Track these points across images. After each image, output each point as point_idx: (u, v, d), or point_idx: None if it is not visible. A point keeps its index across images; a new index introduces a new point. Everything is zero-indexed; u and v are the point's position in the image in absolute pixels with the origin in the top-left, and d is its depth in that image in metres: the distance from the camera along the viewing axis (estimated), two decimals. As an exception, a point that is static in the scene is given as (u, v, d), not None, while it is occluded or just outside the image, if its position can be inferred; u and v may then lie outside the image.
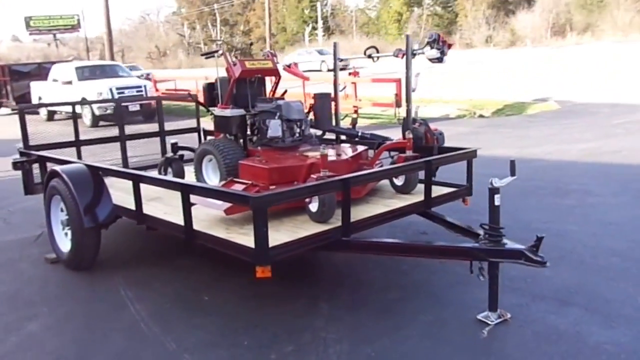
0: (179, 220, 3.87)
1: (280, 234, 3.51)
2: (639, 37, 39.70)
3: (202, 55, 5.36)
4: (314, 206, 3.76)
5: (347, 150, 4.83)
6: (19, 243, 5.55)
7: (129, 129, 6.55)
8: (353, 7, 77.31)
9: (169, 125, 6.81)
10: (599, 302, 3.72)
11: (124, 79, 18.03)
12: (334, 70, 5.71)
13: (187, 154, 5.77)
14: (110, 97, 15.86)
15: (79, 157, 6.04)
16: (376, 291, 4.08)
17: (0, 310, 4.03)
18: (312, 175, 3.85)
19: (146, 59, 64.40)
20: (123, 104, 7.04)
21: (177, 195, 4.58)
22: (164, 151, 6.68)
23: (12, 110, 19.77)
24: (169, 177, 5.29)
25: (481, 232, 3.64)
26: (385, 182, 4.70)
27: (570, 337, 3.30)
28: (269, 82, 5.27)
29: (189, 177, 5.17)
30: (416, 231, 5.20)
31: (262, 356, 3.23)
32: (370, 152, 4.94)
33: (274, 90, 5.27)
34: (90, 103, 13.69)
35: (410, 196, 4.49)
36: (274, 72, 5.10)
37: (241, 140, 4.90)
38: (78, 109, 6.86)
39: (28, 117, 5.81)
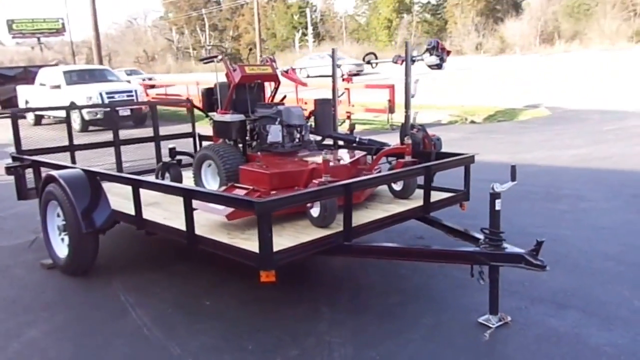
0: (179, 225, 3.89)
1: (282, 239, 3.52)
2: (626, 45, 40.27)
3: (201, 60, 5.37)
4: (315, 211, 3.79)
5: (346, 156, 4.86)
6: (13, 249, 5.51)
7: (121, 134, 6.51)
8: (342, 13, 77.66)
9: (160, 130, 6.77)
10: (596, 305, 3.78)
11: (114, 83, 17.93)
12: (333, 76, 5.75)
13: (184, 159, 5.79)
14: (100, 101, 15.77)
15: (73, 162, 6.02)
16: (376, 295, 4.10)
17: (-1, 316, 4.02)
18: (314, 181, 3.87)
19: (134, 64, 64.12)
20: (111, 109, 6.99)
21: (175, 201, 4.58)
22: (158, 156, 6.68)
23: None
24: (166, 182, 5.28)
25: (481, 236, 3.69)
26: (383, 187, 4.73)
27: (570, 339, 3.35)
28: (268, 87, 5.30)
29: (187, 182, 5.18)
30: (413, 236, 5.23)
31: (267, 360, 3.24)
32: (368, 158, 4.98)
33: (273, 96, 5.30)
34: (85, 107, 13.64)
35: (408, 201, 4.53)
36: (274, 78, 5.13)
37: (240, 146, 4.91)
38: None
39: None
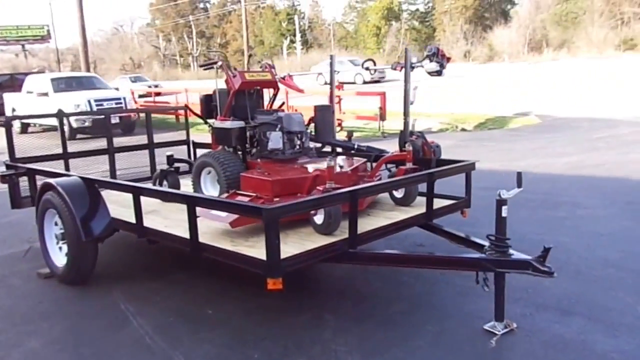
0: (180, 232, 3.85)
1: (287, 246, 3.49)
2: (614, 54, 40.80)
3: (200, 66, 5.34)
4: (319, 218, 3.77)
5: (346, 163, 4.84)
6: (7, 258, 5.43)
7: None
8: (330, 20, 77.96)
9: (145, 138, 6.70)
10: (600, 312, 3.78)
11: (103, 90, 17.74)
12: (331, 83, 5.75)
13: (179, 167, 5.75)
14: (88, 109, 15.64)
15: (67, 169, 5.96)
16: (379, 303, 4.09)
17: (-3, 326, 3.95)
18: (318, 187, 3.85)
19: (120, 71, 63.84)
20: (104, 116, 6.91)
21: (175, 208, 4.55)
22: (153, 164, 6.63)
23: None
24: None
25: (484, 243, 3.69)
26: (384, 194, 4.72)
27: (576, 345, 3.35)
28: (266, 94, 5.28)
29: (185, 190, 5.13)
30: (412, 243, 5.22)
31: (273, 369, 3.21)
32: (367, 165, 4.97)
33: (271, 102, 5.27)
34: (78, 115, 13.47)
35: (410, 208, 4.53)
36: (273, 84, 5.11)
37: (240, 153, 4.88)
38: (54, 121, 6.71)
39: (2, 130, 5.69)
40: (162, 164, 5.89)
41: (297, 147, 4.78)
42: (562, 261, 4.70)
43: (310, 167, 4.47)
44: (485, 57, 50.54)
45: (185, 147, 6.91)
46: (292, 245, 3.56)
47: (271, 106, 5.26)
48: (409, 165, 4.59)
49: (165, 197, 4.14)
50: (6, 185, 5.53)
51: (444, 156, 5.04)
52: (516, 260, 3.39)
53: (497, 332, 3.48)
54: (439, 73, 4.87)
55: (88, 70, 27.23)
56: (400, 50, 57.52)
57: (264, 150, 4.71)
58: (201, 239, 3.67)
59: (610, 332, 3.50)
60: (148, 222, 4.19)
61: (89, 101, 16.04)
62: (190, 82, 36.47)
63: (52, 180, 4.56)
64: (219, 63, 4.90)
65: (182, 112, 6.85)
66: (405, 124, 5.12)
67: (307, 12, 78.77)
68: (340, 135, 5.61)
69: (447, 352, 3.33)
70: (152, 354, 3.41)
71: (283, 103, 5.48)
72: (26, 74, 20.42)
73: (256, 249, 3.43)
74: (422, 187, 4.39)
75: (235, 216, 3.68)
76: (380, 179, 4.69)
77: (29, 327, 3.86)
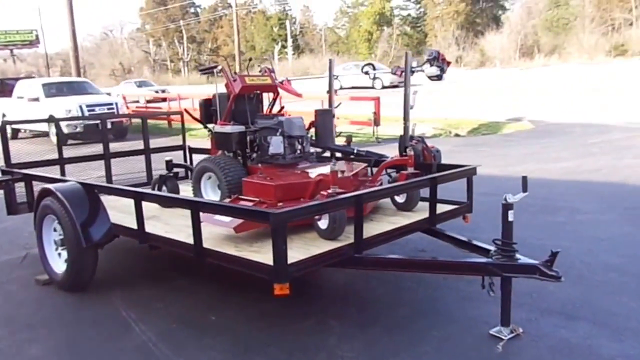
0: (182, 238, 3.81)
1: (293, 252, 3.45)
2: (604, 60, 41.13)
3: (200, 70, 5.31)
4: (323, 223, 3.74)
5: (346, 167, 4.82)
6: (4, 265, 5.36)
7: (100, 148, 6.36)
8: (322, 25, 78.17)
9: (139, 144, 6.65)
10: (605, 316, 3.78)
11: (94, 96, 17.58)
12: (329, 87, 5.72)
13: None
14: (79, 114, 15.50)
15: (63, 175, 5.90)
16: (383, 308, 4.07)
17: (-3, 333, 3.88)
18: (322, 192, 3.83)
19: (109, 76, 63.56)
20: (101, 121, 6.84)
21: (175, 214, 4.52)
22: (149, 169, 6.58)
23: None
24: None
25: (490, 247, 3.68)
26: (385, 199, 4.70)
27: (582, 350, 3.35)
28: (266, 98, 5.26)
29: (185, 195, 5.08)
30: (414, 248, 5.20)
31: (279, 376, 3.18)
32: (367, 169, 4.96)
33: (271, 107, 5.25)
34: (72, 120, 13.37)
35: (412, 213, 4.51)
36: (273, 89, 5.09)
37: (240, 157, 4.85)
38: (45, 127, 6.68)
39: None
40: (157, 170, 5.84)
41: (298, 151, 4.75)
42: (565, 266, 4.65)
43: (312, 172, 4.44)
44: (477, 63, 50.85)
45: (181, 152, 6.86)
46: (297, 250, 3.53)
47: (271, 110, 5.24)
48: (411, 170, 4.57)
49: (169, 202, 4.10)
50: (1, 191, 5.48)
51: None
52: (523, 265, 3.39)
53: (503, 337, 3.47)
54: (439, 77, 4.87)
55: (79, 75, 27.05)
56: (392, 56, 57.81)
57: (264, 155, 4.68)
58: (205, 245, 3.63)
59: (616, 336, 3.50)
60: (150, 227, 4.14)
61: (80, 106, 15.89)
62: (181, 88, 36.23)
63: (51, 186, 4.50)
64: (219, 67, 4.86)
65: (175, 117, 6.82)
66: (406, 128, 5.10)
67: (298, 17, 79.02)
68: (339, 141, 5.58)
69: (454, 358, 3.31)
70: (156, 360, 3.37)
71: (282, 107, 5.45)
72: (16, 79, 20.25)
73: (261, 254, 3.40)
74: (423, 192, 4.38)
75: (240, 221, 3.65)
76: (381, 184, 4.68)
77: (29, 335, 3.81)
